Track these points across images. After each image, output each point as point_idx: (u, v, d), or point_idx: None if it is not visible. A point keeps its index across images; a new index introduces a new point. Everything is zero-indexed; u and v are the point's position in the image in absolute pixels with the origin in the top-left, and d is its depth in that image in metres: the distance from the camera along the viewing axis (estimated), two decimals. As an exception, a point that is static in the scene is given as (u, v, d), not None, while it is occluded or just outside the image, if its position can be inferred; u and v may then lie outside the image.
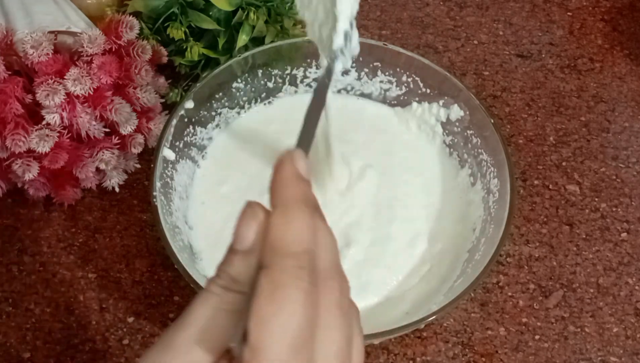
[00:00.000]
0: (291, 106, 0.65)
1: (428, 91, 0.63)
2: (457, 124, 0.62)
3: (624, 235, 0.64)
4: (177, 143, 0.59)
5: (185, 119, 0.60)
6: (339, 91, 0.66)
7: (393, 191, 0.60)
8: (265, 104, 0.66)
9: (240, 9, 0.64)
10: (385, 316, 0.54)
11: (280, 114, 0.65)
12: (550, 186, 0.66)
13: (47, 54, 0.55)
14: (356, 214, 0.59)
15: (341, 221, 0.58)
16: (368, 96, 0.66)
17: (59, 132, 0.56)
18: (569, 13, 0.80)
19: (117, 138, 0.59)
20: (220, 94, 0.62)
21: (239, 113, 0.65)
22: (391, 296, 0.56)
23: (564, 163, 0.68)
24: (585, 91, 0.73)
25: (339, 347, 0.31)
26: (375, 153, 0.62)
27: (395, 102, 0.65)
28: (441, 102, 0.63)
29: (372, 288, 0.56)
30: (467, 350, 0.57)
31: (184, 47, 0.64)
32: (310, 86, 0.66)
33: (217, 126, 0.63)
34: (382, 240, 0.58)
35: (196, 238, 0.57)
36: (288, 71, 0.65)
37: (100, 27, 0.59)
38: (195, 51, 0.64)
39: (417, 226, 0.59)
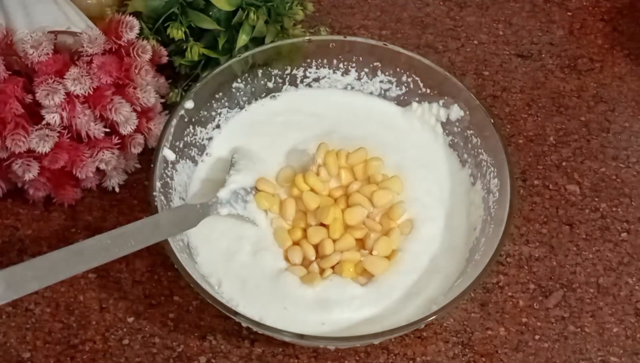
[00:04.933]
0: (298, 98, 0.65)
1: (428, 91, 0.63)
2: (457, 124, 0.62)
3: (624, 234, 0.64)
4: (177, 143, 0.59)
5: (185, 119, 0.60)
6: (344, 88, 0.66)
7: (411, 191, 0.60)
8: (270, 97, 0.65)
9: (240, 9, 0.64)
10: (398, 315, 0.54)
11: (286, 107, 0.65)
12: (550, 186, 0.66)
13: (47, 54, 0.55)
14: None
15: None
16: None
17: (59, 132, 0.56)
18: (569, 13, 0.80)
19: (117, 138, 0.59)
20: (220, 94, 0.62)
21: (239, 113, 0.64)
22: (407, 294, 0.56)
23: (564, 163, 0.68)
24: (585, 91, 0.73)
25: None
26: (388, 150, 0.62)
27: (396, 102, 0.65)
28: (441, 102, 0.63)
29: (393, 294, 0.55)
30: (467, 350, 0.57)
31: (184, 47, 0.65)
32: (310, 86, 0.66)
33: (217, 126, 0.63)
34: (402, 246, 0.58)
35: (196, 238, 0.57)
36: (288, 71, 0.65)
37: (100, 27, 0.59)
38: (195, 51, 0.64)
39: (436, 224, 0.59)
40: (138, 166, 0.64)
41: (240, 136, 0.63)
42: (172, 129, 0.58)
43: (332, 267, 0.56)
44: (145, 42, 0.59)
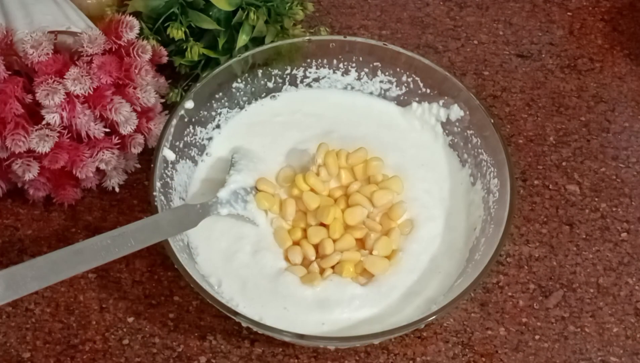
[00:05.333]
0: (298, 98, 0.66)
1: (428, 91, 0.63)
2: (457, 124, 0.62)
3: (624, 234, 0.64)
4: (177, 143, 0.59)
5: (185, 119, 0.60)
6: (344, 88, 0.66)
7: (411, 191, 0.60)
8: (270, 97, 0.65)
9: (240, 9, 0.64)
10: (398, 315, 0.54)
11: (286, 107, 0.65)
12: (550, 186, 0.66)
13: (47, 54, 0.55)
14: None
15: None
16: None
17: (59, 132, 0.56)
18: (569, 13, 0.80)
19: (117, 137, 0.59)
20: (220, 94, 0.62)
21: (239, 113, 0.64)
22: (407, 294, 0.56)
23: (564, 163, 0.68)
24: (585, 91, 0.73)
25: None
26: (388, 150, 0.62)
27: (396, 102, 0.66)
28: (441, 102, 0.63)
29: (393, 294, 0.55)
30: (467, 350, 0.57)
31: (184, 47, 0.64)
32: (310, 86, 0.66)
33: (217, 126, 0.63)
34: (402, 246, 0.58)
35: (196, 238, 0.57)
36: (288, 71, 0.65)
37: (100, 27, 0.59)
38: (195, 51, 0.64)
39: (436, 224, 0.59)
40: (138, 166, 0.64)
41: (240, 136, 0.63)
42: (172, 129, 0.58)
43: (332, 267, 0.56)
44: (145, 42, 0.59)
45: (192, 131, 0.61)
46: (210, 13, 0.65)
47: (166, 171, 0.57)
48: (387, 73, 0.65)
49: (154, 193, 0.54)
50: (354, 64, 0.65)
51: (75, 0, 0.65)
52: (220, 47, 0.65)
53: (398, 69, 0.64)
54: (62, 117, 0.55)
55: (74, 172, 0.58)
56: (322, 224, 0.58)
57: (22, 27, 0.58)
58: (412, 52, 0.63)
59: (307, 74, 0.65)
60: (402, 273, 0.56)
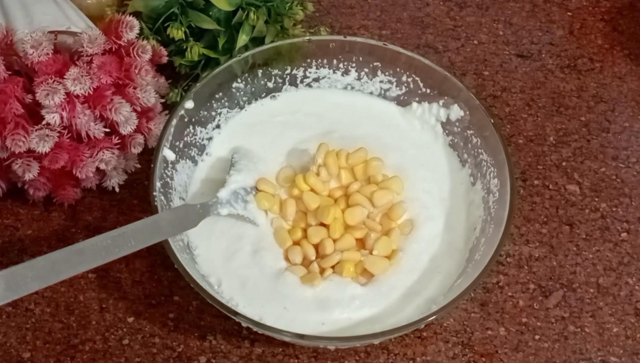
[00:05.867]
0: (298, 98, 0.66)
1: (428, 91, 0.63)
2: (457, 124, 0.62)
3: (624, 234, 0.64)
4: (177, 143, 0.59)
5: (185, 119, 0.60)
6: (344, 88, 0.66)
7: (411, 191, 0.60)
8: (270, 97, 0.65)
9: (240, 9, 0.64)
10: (398, 315, 0.54)
11: (286, 107, 0.65)
12: (550, 186, 0.66)
13: (47, 54, 0.55)
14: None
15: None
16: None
17: (59, 132, 0.56)
18: (569, 13, 0.80)
19: (117, 137, 0.59)
20: (220, 94, 0.62)
21: (239, 113, 0.65)
22: (407, 294, 0.56)
23: (564, 163, 0.68)
24: (585, 91, 0.73)
25: None
26: (388, 150, 0.62)
27: (396, 102, 0.66)
28: (441, 102, 0.63)
29: (393, 294, 0.55)
30: (467, 350, 0.57)
31: (184, 47, 0.65)
32: (310, 86, 0.66)
33: (217, 126, 0.63)
34: (402, 246, 0.58)
35: (196, 238, 0.57)
36: (288, 71, 0.65)
37: (100, 27, 0.59)
38: (195, 51, 0.64)
39: (436, 224, 0.59)
40: (138, 166, 0.64)
41: (240, 136, 0.63)
42: (172, 129, 0.58)
43: (332, 267, 0.56)
44: (145, 42, 0.59)
45: (192, 131, 0.61)
46: (210, 13, 0.65)
47: (166, 171, 0.57)
48: (387, 73, 0.65)
49: (154, 193, 0.54)
50: (354, 64, 0.65)
51: (75, 0, 0.65)
52: (220, 47, 0.65)
53: (398, 69, 0.64)
54: (62, 117, 0.55)
55: (74, 172, 0.58)
56: (322, 224, 0.58)
57: (22, 27, 0.58)
58: (412, 52, 0.63)
59: (307, 74, 0.65)
60: (402, 273, 0.56)
